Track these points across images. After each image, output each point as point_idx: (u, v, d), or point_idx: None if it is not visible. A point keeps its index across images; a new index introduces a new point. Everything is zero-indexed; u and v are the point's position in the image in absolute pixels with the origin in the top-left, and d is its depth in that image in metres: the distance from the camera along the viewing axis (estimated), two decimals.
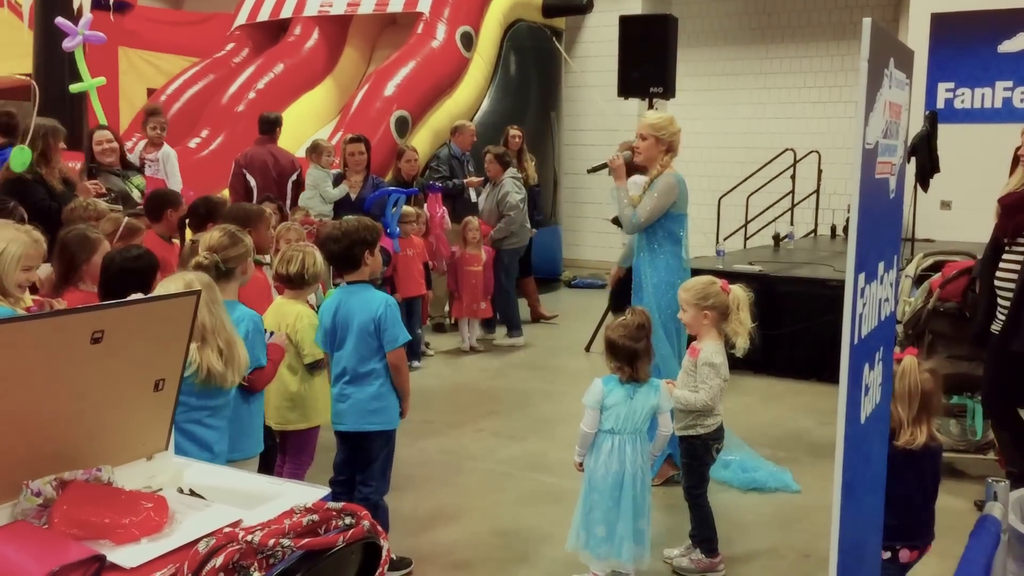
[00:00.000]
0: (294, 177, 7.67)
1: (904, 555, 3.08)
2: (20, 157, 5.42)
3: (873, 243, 2.09)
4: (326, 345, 3.82)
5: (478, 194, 8.70)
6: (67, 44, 8.09)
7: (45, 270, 3.88)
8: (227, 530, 1.64)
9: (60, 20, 8.03)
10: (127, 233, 4.47)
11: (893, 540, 3.02)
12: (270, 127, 7.82)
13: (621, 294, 7.42)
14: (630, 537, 3.51)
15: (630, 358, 3.53)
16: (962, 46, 10.31)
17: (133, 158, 7.35)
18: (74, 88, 8.35)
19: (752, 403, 6.42)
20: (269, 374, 3.55)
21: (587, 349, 7.95)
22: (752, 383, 6.87)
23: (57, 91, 8.47)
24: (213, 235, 3.46)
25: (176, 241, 5.13)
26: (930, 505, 3.16)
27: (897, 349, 3.28)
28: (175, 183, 7.35)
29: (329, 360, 3.91)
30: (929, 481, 3.13)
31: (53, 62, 8.58)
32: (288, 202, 7.50)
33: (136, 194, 6.31)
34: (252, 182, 7.49)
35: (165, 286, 2.93)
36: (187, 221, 5.06)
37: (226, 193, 7.84)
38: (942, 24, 10.37)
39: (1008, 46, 10.17)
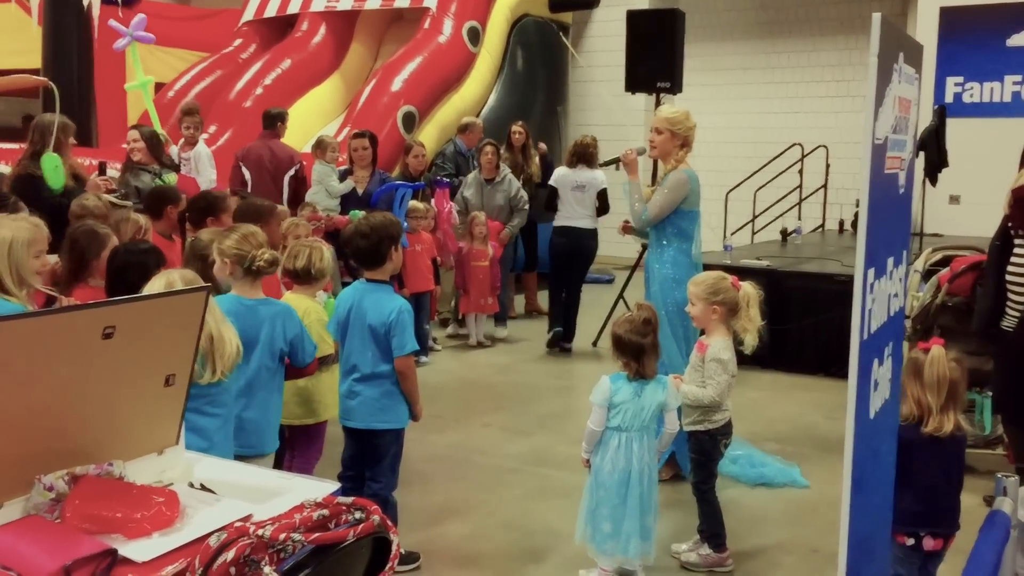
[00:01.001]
0: (292, 172, 7.65)
1: (928, 543, 3.09)
2: (51, 165, 5.47)
3: (882, 239, 2.08)
4: (337, 334, 3.82)
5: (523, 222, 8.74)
6: (117, 44, 8.37)
7: (50, 260, 3.88)
8: (238, 524, 1.65)
9: (113, 22, 8.36)
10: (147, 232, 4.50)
11: (917, 526, 3.05)
12: (271, 122, 7.82)
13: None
14: (637, 534, 3.51)
15: (636, 353, 3.52)
16: (971, 40, 10.28)
17: (175, 152, 7.44)
18: (129, 87, 8.72)
19: (760, 398, 6.41)
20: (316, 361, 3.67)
21: (594, 344, 7.95)
22: (760, 378, 6.86)
23: (65, 86, 8.49)
24: (254, 234, 3.52)
25: (176, 238, 5.10)
26: (955, 494, 3.17)
27: (905, 344, 3.29)
28: (204, 181, 7.37)
29: (339, 352, 3.90)
30: (954, 469, 3.16)
31: (61, 58, 8.63)
32: (285, 197, 7.47)
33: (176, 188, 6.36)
34: (247, 175, 7.49)
35: (151, 286, 2.94)
36: (187, 216, 5.03)
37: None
38: (951, 18, 10.33)
39: (1017, 40, 10.13)
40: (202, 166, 7.56)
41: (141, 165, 6.36)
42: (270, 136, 7.77)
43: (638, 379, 3.52)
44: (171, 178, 6.46)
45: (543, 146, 9.27)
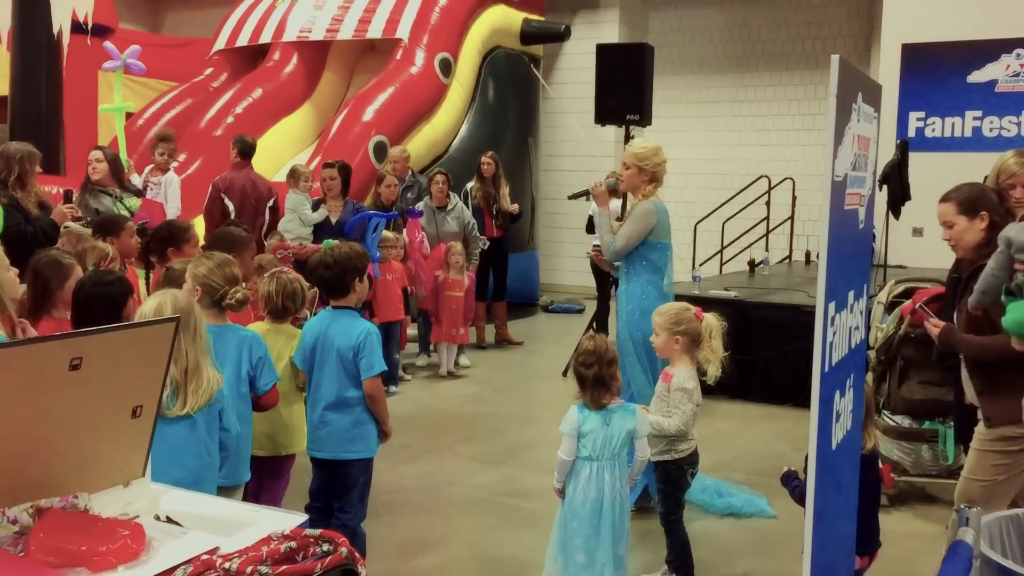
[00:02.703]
0: (271, 203, 7.68)
1: (857, 562, 3.13)
2: None
3: (843, 273, 2.13)
4: (304, 365, 3.82)
5: (486, 245, 8.83)
6: (107, 66, 8.73)
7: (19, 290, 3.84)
8: (204, 557, 1.65)
9: (108, 44, 8.64)
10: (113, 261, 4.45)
11: None
12: (251, 152, 7.81)
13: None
14: (610, 564, 3.49)
15: (581, 384, 3.54)
16: (932, 76, 10.50)
17: (137, 180, 7.40)
18: (103, 109, 9.11)
19: (728, 428, 6.45)
20: (276, 393, 3.62)
21: (564, 374, 7.97)
22: (728, 408, 6.91)
23: (33, 114, 8.45)
24: (228, 265, 3.49)
25: (132, 267, 5.04)
26: (876, 511, 3.22)
27: (869, 375, 3.35)
28: (172, 208, 7.34)
29: (307, 383, 3.89)
30: (873, 487, 3.21)
31: (30, 84, 8.57)
32: (265, 227, 7.49)
33: (125, 215, 6.31)
34: (230, 206, 7.48)
35: (144, 309, 2.97)
36: (149, 246, 4.99)
37: (201, 218, 7.83)
38: (913, 54, 10.56)
39: (977, 76, 10.36)
40: (171, 193, 7.53)
41: (101, 187, 6.32)
42: (248, 166, 7.75)
43: (598, 409, 3.52)
44: (133, 203, 6.44)
45: (516, 206, 9.40)
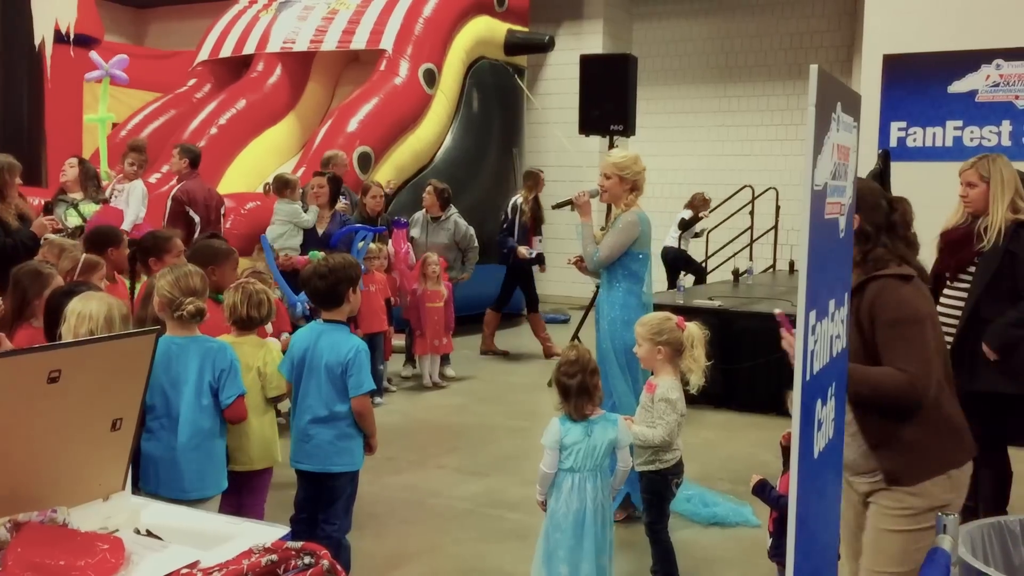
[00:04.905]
0: (223, 209, 7.64)
1: None
2: None
3: (823, 282, 2.14)
4: (290, 375, 3.79)
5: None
6: (89, 76, 8.95)
7: None
8: (184, 571, 1.64)
9: (93, 55, 8.79)
10: (85, 269, 4.41)
11: None
12: (200, 160, 7.72)
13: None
14: (594, 575, 3.50)
15: (565, 394, 3.54)
16: (913, 86, 10.59)
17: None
18: (88, 119, 9.27)
19: (712, 437, 6.46)
20: (241, 406, 3.55)
21: (549, 384, 7.95)
22: (712, 417, 6.92)
23: (15, 125, 8.41)
24: (189, 277, 3.47)
25: (119, 279, 5.01)
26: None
27: None
28: (130, 214, 7.23)
29: (292, 392, 3.85)
30: None
31: (11, 96, 8.54)
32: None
33: (74, 221, 6.30)
34: (196, 218, 7.37)
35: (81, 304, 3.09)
36: (136, 255, 4.95)
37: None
38: (894, 65, 10.65)
39: (958, 87, 10.46)
40: (132, 199, 7.36)
41: (62, 194, 6.36)
42: (198, 175, 7.67)
43: (581, 419, 3.52)
44: (88, 209, 6.43)
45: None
